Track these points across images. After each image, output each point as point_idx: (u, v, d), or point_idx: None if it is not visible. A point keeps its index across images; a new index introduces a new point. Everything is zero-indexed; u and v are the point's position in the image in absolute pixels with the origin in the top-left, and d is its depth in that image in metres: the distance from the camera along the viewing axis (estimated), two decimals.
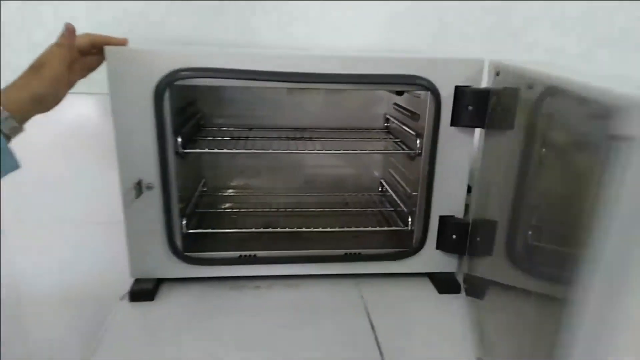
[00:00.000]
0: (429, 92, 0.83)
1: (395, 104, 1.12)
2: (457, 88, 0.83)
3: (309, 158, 1.20)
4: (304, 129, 1.11)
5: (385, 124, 1.17)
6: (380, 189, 1.22)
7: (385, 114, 1.18)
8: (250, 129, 1.11)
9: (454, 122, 0.85)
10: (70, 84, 0.80)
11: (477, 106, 0.82)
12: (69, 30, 0.73)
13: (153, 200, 0.84)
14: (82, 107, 1.09)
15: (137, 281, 0.89)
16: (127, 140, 0.81)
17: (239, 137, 1.04)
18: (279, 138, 1.03)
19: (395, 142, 1.03)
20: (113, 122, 0.80)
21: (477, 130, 0.87)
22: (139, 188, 0.83)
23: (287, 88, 1.12)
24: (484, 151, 0.83)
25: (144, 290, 0.88)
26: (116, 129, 0.80)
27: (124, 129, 0.80)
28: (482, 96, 0.82)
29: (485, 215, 0.83)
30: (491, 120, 0.81)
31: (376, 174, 1.24)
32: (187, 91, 1.01)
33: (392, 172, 1.15)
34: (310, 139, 1.01)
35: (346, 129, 1.14)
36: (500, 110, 0.77)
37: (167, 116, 0.80)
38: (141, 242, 0.86)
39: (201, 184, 1.12)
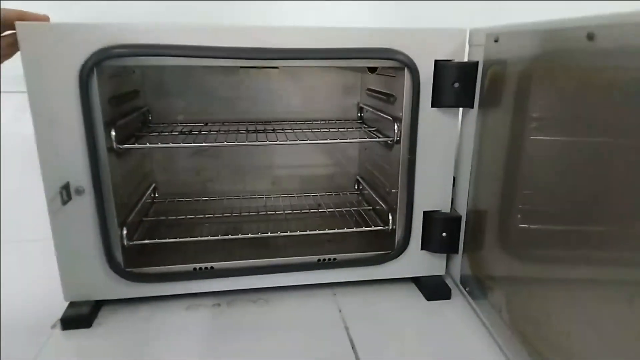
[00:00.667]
0: (405, 69, 0.72)
1: (369, 89, 1.00)
2: (437, 63, 0.72)
3: (275, 156, 1.08)
4: (267, 122, 0.99)
5: (359, 114, 1.06)
6: (356, 187, 1.11)
7: (358, 104, 1.07)
8: (206, 124, 0.97)
9: (435, 103, 0.74)
10: None
11: (464, 82, 0.72)
12: None
13: (85, 206, 0.70)
14: (9, 109, 0.94)
15: (72, 305, 0.75)
16: (49, 135, 0.67)
17: (191, 131, 0.90)
18: (239, 131, 0.90)
19: (371, 132, 0.91)
20: (31, 114, 0.66)
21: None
22: (67, 192, 0.69)
23: (245, 69, 0.99)
24: (479, 134, 0.73)
25: (79, 316, 0.73)
26: (35, 122, 0.66)
27: (45, 121, 0.66)
28: (469, 70, 0.72)
29: (488, 203, 0.73)
30: (488, 97, 0.70)
31: (351, 171, 1.12)
32: (124, 77, 0.87)
33: (369, 167, 1.04)
34: (274, 130, 0.89)
35: (316, 120, 1.02)
36: (503, 85, 0.66)
37: (95, 104, 0.66)
38: (74, 258, 0.72)
39: (150, 189, 0.98)
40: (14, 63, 0.67)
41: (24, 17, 0.65)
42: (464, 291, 0.79)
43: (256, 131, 0.88)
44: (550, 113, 0.58)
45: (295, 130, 0.89)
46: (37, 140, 0.67)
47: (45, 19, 0.67)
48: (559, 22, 0.52)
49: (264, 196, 1.04)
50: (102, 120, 0.67)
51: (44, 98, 0.65)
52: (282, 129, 0.91)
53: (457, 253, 0.80)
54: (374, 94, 0.96)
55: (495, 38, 0.66)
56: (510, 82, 0.65)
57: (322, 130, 0.87)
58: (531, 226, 0.66)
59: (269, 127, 0.94)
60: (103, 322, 0.74)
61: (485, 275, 0.73)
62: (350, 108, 1.07)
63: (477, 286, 0.75)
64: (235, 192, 1.06)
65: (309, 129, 0.88)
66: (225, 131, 0.90)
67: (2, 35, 0.67)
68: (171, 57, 0.66)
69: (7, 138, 0.96)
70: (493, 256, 0.71)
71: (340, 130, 0.90)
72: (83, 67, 0.64)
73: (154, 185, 1.01)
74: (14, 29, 0.65)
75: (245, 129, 0.92)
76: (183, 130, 0.91)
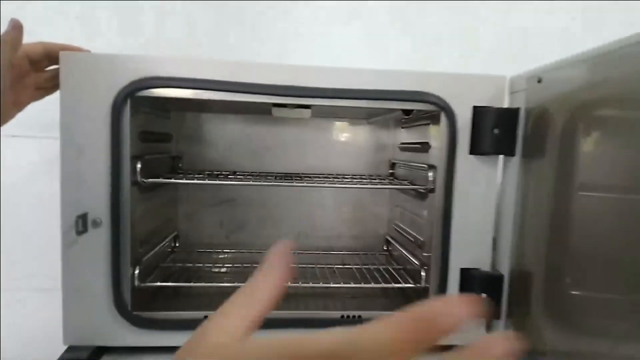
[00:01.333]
0: (441, 113, 0.69)
1: (402, 143, 0.98)
2: (475, 108, 0.69)
3: (302, 210, 1.04)
4: (297, 175, 0.96)
5: (391, 170, 1.03)
6: (385, 248, 1.04)
7: (390, 160, 1.04)
8: (235, 173, 0.96)
9: (473, 149, 0.70)
10: (18, 103, 0.69)
11: (504, 128, 0.68)
12: (15, 27, 0.61)
13: (99, 240, 0.67)
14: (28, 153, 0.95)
15: (70, 349, 0.68)
16: (74, 162, 0.66)
17: (218, 175, 0.88)
18: (267, 177, 0.87)
19: (403, 184, 0.87)
20: (60, 140, 0.66)
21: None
22: (84, 223, 0.66)
23: (279, 119, 1.00)
24: (522, 185, 0.67)
25: None
26: (63, 148, 0.66)
27: (72, 149, 0.65)
28: (510, 115, 0.68)
29: (533, 263, 0.65)
30: (531, 144, 0.66)
31: (380, 231, 1.06)
32: (159, 118, 0.88)
33: (399, 224, 0.98)
34: (302, 178, 0.85)
35: (346, 175, 0.99)
36: (547, 130, 0.62)
37: (125, 135, 0.65)
38: (79, 295, 0.67)
39: (171, 237, 0.94)
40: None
41: (67, 49, 0.67)
42: None
43: (284, 179, 0.85)
44: (603, 162, 0.53)
45: (324, 184, 0.85)
46: (61, 169, 0.66)
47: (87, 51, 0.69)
48: (615, 43, 0.49)
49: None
50: (130, 151, 0.66)
51: (75, 126, 0.65)
52: (312, 181, 0.88)
53: (499, 318, 0.71)
54: (407, 145, 0.93)
55: (538, 79, 0.63)
56: (556, 125, 0.61)
57: (352, 181, 0.83)
58: (583, 293, 0.59)
59: (297, 179, 0.91)
60: None
61: (535, 344, 0.64)
62: (382, 164, 1.04)
63: (524, 356, 0.65)
64: (258, 246, 1.01)
65: (339, 182, 0.85)
66: (254, 177, 0.87)
67: (46, 69, 0.69)
68: (204, 91, 0.66)
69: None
70: (542, 324, 0.62)
71: (371, 182, 0.86)
72: (117, 96, 0.64)
73: (175, 233, 0.98)
74: (57, 62, 0.68)
75: (273, 177, 0.90)
76: (211, 174, 0.89)
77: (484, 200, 0.72)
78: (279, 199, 1.02)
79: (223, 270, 0.90)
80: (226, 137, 1.00)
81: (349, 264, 0.90)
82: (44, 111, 0.73)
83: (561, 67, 0.58)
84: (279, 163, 1.01)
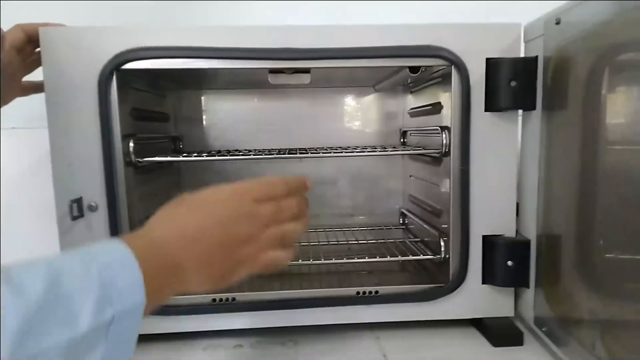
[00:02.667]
0: (452, 69, 0.63)
1: (411, 109, 0.93)
2: (489, 60, 0.63)
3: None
4: (303, 149, 0.92)
5: (402, 139, 0.97)
6: (401, 221, 0.99)
7: (400, 129, 0.98)
8: (237, 151, 0.91)
9: (489, 106, 0.64)
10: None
11: (522, 80, 0.62)
12: None
13: (97, 226, 0.63)
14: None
15: None
16: (64, 145, 0.62)
17: (220, 151, 0.84)
18: (271, 152, 0.83)
19: (415, 152, 0.81)
20: (48, 123, 0.62)
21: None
22: (79, 207, 0.63)
23: (280, 90, 0.95)
24: (545, 141, 0.61)
25: None
26: (51, 129, 0.62)
27: (61, 130, 0.62)
28: (528, 66, 0.62)
29: (562, 226, 0.60)
30: (554, 95, 0.60)
31: (395, 205, 1.01)
32: (153, 96, 0.84)
33: (414, 195, 0.93)
34: (317, 151, 0.80)
35: (356, 147, 0.94)
36: (570, 76, 0.56)
37: (114, 112, 0.62)
38: None
39: None
40: None
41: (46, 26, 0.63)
42: (540, 333, 0.64)
43: (291, 153, 0.81)
44: (634, 111, 0.47)
45: (333, 154, 0.80)
46: (51, 151, 0.62)
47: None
48: None
49: None
50: (121, 130, 0.62)
51: (61, 105, 0.61)
52: (323, 153, 0.83)
53: (528, 287, 0.66)
54: (417, 110, 0.87)
55: (557, 20, 0.57)
56: (579, 72, 0.55)
57: (365, 153, 0.78)
58: (618, 256, 0.53)
59: (304, 152, 0.86)
60: None
61: (568, 311, 0.58)
62: (393, 134, 0.99)
63: (558, 325, 0.60)
64: None
65: (348, 152, 0.80)
66: (259, 152, 0.83)
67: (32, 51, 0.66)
68: (195, 59, 0.62)
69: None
70: (575, 291, 0.57)
71: (386, 153, 0.80)
72: (103, 70, 0.60)
73: None
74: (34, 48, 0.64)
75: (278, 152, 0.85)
76: (212, 152, 0.85)
77: (504, 160, 0.66)
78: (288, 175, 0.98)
79: None
80: (227, 115, 0.96)
81: (364, 240, 0.85)
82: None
83: (582, 2, 0.52)
84: (284, 139, 0.96)
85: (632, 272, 0.49)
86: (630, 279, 0.49)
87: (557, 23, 0.57)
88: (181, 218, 0.42)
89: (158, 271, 0.38)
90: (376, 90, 0.97)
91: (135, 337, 0.36)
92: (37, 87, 0.66)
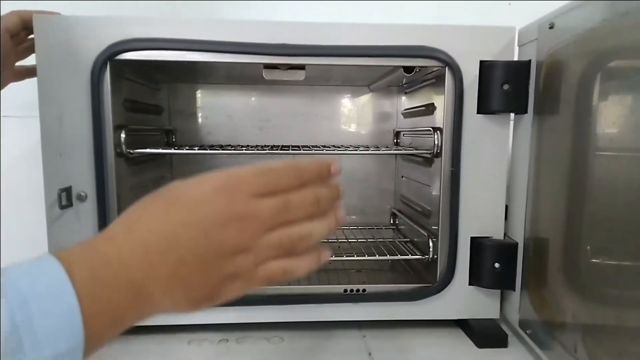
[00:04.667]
0: (446, 70, 0.64)
1: (405, 109, 0.93)
2: (482, 63, 0.64)
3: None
4: (296, 147, 0.92)
5: (396, 140, 0.97)
6: (392, 221, 0.99)
7: (394, 130, 0.99)
8: (231, 146, 0.91)
9: (482, 108, 0.65)
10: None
11: (514, 83, 0.63)
12: None
13: (86, 216, 0.63)
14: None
15: None
16: (55, 133, 0.62)
17: (212, 146, 0.84)
18: (264, 148, 0.83)
19: (407, 152, 0.82)
20: (39, 110, 0.62)
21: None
22: (68, 197, 0.62)
23: (275, 86, 0.95)
24: (536, 145, 0.62)
25: None
26: (42, 117, 0.62)
27: (52, 118, 0.62)
28: (520, 69, 0.63)
29: (550, 230, 0.60)
30: (545, 99, 0.60)
31: (386, 205, 1.01)
32: (147, 88, 0.84)
33: (406, 195, 0.93)
34: (310, 148, 0.80)
35: (349, 146, 0.94)
36: (562, 81, 0.56)
37: (107, 102, 0.61)
38: None
39: None
40: None
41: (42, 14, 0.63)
42: (524, 335, 0.64)
43: (283, 149, 0.81)
44: (625, 118, 0.48)
45: (326, 151, 0.80)
46: (42, 140, 0.62)
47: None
48: None
49: None
50: (113, 120, 0.62)
51: (54, 93, 0.61)
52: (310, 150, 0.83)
53: (514, 289, 0.66)
54: (411, 110, 0.88)
55: (550, 24, 0.57)
56: (571, 77, 0.55)
57: (358, 151, 0.78)
58: (605, 261, 0.53)
59: (296, 149, 0.86)
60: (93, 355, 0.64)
61: (552, 315, 0.59)
62: (386, 134, 0.99)
63: (542, 328, 0.60)
64: None
65: (341, 151, 0.80)
66: (251, 147, 0.82)
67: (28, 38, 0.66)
68: (189, 52, 0.62)
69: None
70: (561, 295, 0.58)
71: (378, 152, 0.81)
72: (96, 60, 0.60)
73: None
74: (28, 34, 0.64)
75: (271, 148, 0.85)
76: (204, 146, 0.85)
77: (495, 163, 0.66)
78: None
79: None
80: (222, 110, 0.96)
81: (354, 239, 0.85)
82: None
83: (576, 6, 0.53)
84: (278, 136, 0.96)
85: (616, 277, 0.49)
86: (613, 284, 0.49)
87: (551, 27, 0.57)
88: (151, 221, 0.32)
89: (110, 297, 0.29)
90: (371, 90, 0.98)
91: None
92: (30, 72, 0.66)
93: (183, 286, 0.31)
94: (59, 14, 0.64)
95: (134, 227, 0.32)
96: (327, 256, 0.37)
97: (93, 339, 0.28)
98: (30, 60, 0.66)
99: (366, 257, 0.73)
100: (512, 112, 0.65)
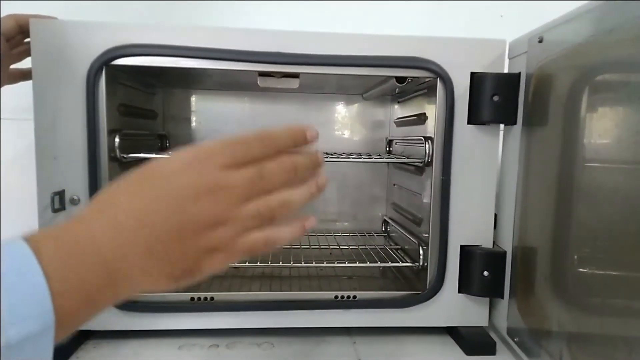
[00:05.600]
0: (437, 81, 0.65)
1: (397, 118, 0.94)
2: (473, 75, 0.65)
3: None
4: None
5: (388, 148, 0.98)
6: (383, 229, 1.00)
7: (387, 138, 1.00)
8: None
9: (472, 119, 0.66)
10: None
11: (504, 95, 0.64)
12: None
13: None
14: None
15: None
16: (49, 136, 0.62)
17: None
18: None
19: (398, 161, 0.83)
20: (34, 113, 0.62)
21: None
22: (61, 200, 0.63)
23: (269, 94, 0.96)
24: (525, 156, 0.63)
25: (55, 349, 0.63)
26: (37, 122, 0.62)
27: (47, 122, 0.62)
28: (510, 82, 0.64)
29: (538, 239, 0.61)
30: (534, 111, 0.61)
31: (378, 213, 1.02)
32: (142, 93, 0.84)
33: (397, 204, 0.94)
34: None
35: (341, 154, 0.95)
36: (551, 93, 0.57)
37: (101, 107, 0.62)
38: None
39: None
40: None
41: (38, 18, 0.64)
42: (512, 343, 0.65)
43: None
44: (612, 130, 0.49)
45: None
46: (36, 143, 0.62)
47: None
48: None
49: None
50: (107, 125, 0.62)
51: (48, 97, 0.61)
52: None
53: (502, 297, 0.67)
54: (403, 119, 0.89)
55: (540, 38, 0.59)
56: (560, 90, 0.56)
57: (350, 159, 0.79)
58: (591, 271, 0.55)
59: None
60: (82, 356, 0.64)
61: (540, 323, 0.60)
62: (379, 142, 1.00)
63: (529, 335, 0.61)
64: None
65: (333, 158, 0.81)
66: None
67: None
68: (184, 59, 0.62)
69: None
70: (550, 303, 0.58)
71: (370, 160, 0.82)
72: (92, 65, 0.61)
73: None
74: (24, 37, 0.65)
75: None
76: None
77: (485, 172, 0.67)
78: None
79: None
80: (216, 116, 0.97)
81: (346, 246, 0.86)
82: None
83: (564, 21, 0.54)
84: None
85: (601, 287, 0.50)
86: (598, 293, 0.50)
87: (540, 41, 0.59)
88: (122, 199, 0.32)
89: (81, 276, 0.29)
90: (364, 99, 0.99)
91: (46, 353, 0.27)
92: (25, 75, 0.66)
93: (160, 262, 0.31)
94: (55, 18, 0.65)
95: (104, 207, 0.32)
96: (312, 222, 0.36)
97: (65, 319, 0.28)
98: (25, 64, 0.66)
99: (357, 264, 0.74)
100: (501, 123, 0.66)
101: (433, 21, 0.96)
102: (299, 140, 0.36)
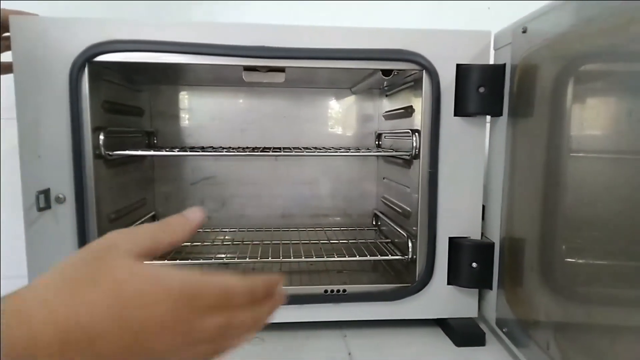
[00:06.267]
0: (423, 73, 0.65)
1: (386, 112, 0.94)
2: (459, 66, 0.65)
3: (286, 186, 0.99)
4: (277, 149, 0.92)
5: (377, 142, 0.98)
6: (374, 222, 1.00)
7: (375, 132, 1.00)
8: (212, 148, 0.91)
9: (458, 111, 0.66)
10: None
11: (490, 87, 0.64)
12: None
13: (64, 218, 0.63)
14: None
15: None
16: (33, 136, 0.61)
17: (193, 147, 0.84)
18: (246, 150, 0.83)
19: (386, 154, 0.83)
20: (17, 111, 0.61)
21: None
22: (46, 199, 0.62)
23: (256, 89, 0.96)
24: (511, 147, 0.63)
25: None
26: (19, 120, 0.61)
27: (30, 120, 0.61)
28: (496, 73, 0.64)
29: (525, 230, 0.62)
30: (519, 102, 0.61)
31: (369, 207, 1.02)
32: (128, 90, 0.83)
33: (387, 197, 0.94)
34: (290, 150, 0.81)
35: (330, 149, 0.95)
36: (535, 84, 0.57)
37: (85, 104, 0.61)
38: None
39: (148, 218, 0.90)
40: None
41: (19, 14, 0.63)
42: (501, 333, 0.65)
43: (264, 151, 0.81)
44: (597, 120, 0.49)
45: (306, 153, 0.81)
46: (19, 141, 0.61)
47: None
48: None
49: (272, 229, 0.95)
50: (91, 122, 0.62)
51: (31, 95, 0.61)
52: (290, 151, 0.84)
53: (491, 288, 0.67)
54: (391, 113, 0.89)
55: (523, 29, 0.59)
56: (544, 80, 0.56)
57: (339, 153, 0.79)
58: (581, 261, 0.55)
59: (277, 151, 0.87)
60: None
61: (527, 313, 0.60)
62: (368, 136, 1.00)
63: (518, 326, 0.61)
64: (242, 225, 0.97)
65: (321, 152, 0.81)
66: (234, 149, 0.83)
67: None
68: (168, 54, 0.62)
69: None
70: (537, 293, 0.59)
71: (357, 154, 0.82)
72: (75, 62, 0.60)
73: (153, 213, 0.94)
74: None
75: (252, 150, 0.85)
76: (185, 148, 0.85)
77: (472, 164, 0.67)
78: (262, 175, 0.98)
79: (200, 246, 0.86)
80: (204, 112, 0.96)
81: (336, 240, 0.86)
82: None
83: (546, 11, 0.54)
84: (260, 138, 0.97)
85: (587, 276, 0.51)
86: (584, 283, 0.50)
87: (524, 32, 0.59)
88: (76, 300, 0.27)
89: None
90: (353, 93, 0.99)
91: None
92: (6, 68, 0.65)
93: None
94: (37, 15, 0.64)
95: (53, 307, 0.27)
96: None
97: None
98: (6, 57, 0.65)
99: (346, 258, 0.74)
100: (488, 114, 0.66)
101: (421, 15, 0.95)
102: (271, 291, 0.35)
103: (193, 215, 0.36)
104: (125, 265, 0.30)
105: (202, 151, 0.76)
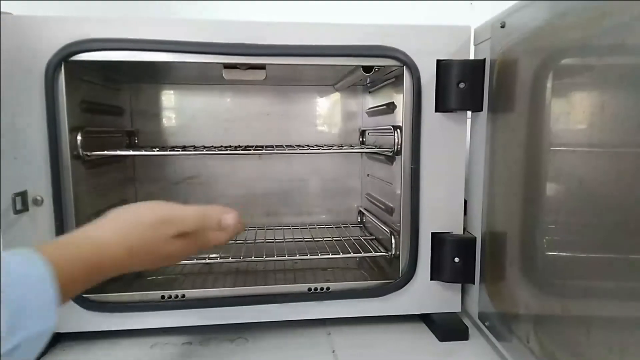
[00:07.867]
0: (404, 69, 0.65)
1: (369, 108, 0.94)
2: (439, 62, 0.65)
3: (271, 185, 0.99)
4: (261, 146, 0.91)
5: (361, 139, 0.98)
6: (358, 219, 1.00)
7: (359, 128, 0.99)
8: (194, 147, 0.90)
9: (439, 107, 0.66)
10: None
11: (470, 82, 0.64)
12: None
13: (42, 221, 0.62)
14: None
15: None
16: (9, 137, 0.60)
17: (175, 147, 0.83)
18: (229, 149, 0.82)
19: (368, 151, 0.83)
20: None
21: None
22: (23, 201, 0.61)
23: (239, 87, 0.95)
24: (491, 142, 0.63)
25: None
26: None
27: (6, 121, 0.60)
28: (475, 68, 0.64)
29: (506, 224, 0.62)
30: (499, 97, 0.62)
31: (353, 204, 1.02)
32: (106, 89, 0.82)
33: (371, 194, 0.94)
34: (272, 148, 0.80)
35: (314, 146, 0.95)
36: (515, 79, 0.58)
37: (62, 104, 0.60)
38: None
39: None
40: None
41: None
42: (483, 327, 0.66)
43: (246, 149, 0.80)
44: (577, 114, 0.49)
45: (289, 150, 0.81)
46: None
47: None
48: None
49: (256, 228, 0.94)
50: (68, 122, 0.61)
51: (6, 95, 0.60)
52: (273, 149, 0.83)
53: (474, 283, 0.68)
54: (374, 109, 0.89)
55: (502, 23, 0.59)
56: (524, 75, 0.57)
57: (321, 150, 0.79)
58: (560, 254, 0.55)
59: (260, 149, 0.86)
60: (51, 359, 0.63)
61: (509, 307, 0.61)
62: (352, 133, 1.00)
63: (499, 319, 0.62)
64: None
65: (305, 150, 0.81)
66: (215, 148, 0.82)
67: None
68: (146, 52, 0.61)
69: None
70: (517, 287, 0.59)
71: (340, 151, 0.82)
72: (50, 61, 0.59)
73: None
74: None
75: (234, 148, 0.85)
76: (166, 147, 0.84)
77: (453, 160, 0.68)
78: (247, 174, 0.97)
79: None
80: (185, 111, 0.95)
81: (320, 238, 0.86)
82: None
83: (523, 6, 0.54)
84: (243, 137, 0.96)
85: (564, 270, 0.51)
86: (561, 276, 0.51)
87: (502, 27, 0.59)
88: (127, 233, 0.46)
89: (78, 258, 0.40)
90: (336, 90, 0.98)
91: (35, 355, 0.34)
92: None
93: (143, 260, 0.47)
94: (11, 14, 0.63)
95: (119, 236, 0.45)
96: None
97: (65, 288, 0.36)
98: None
99: (330, 256, 0.74)
100: (468, 109, 0.67)
101: (402, 11, 0.96)
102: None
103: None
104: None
105: (183, 150, 0.76)
